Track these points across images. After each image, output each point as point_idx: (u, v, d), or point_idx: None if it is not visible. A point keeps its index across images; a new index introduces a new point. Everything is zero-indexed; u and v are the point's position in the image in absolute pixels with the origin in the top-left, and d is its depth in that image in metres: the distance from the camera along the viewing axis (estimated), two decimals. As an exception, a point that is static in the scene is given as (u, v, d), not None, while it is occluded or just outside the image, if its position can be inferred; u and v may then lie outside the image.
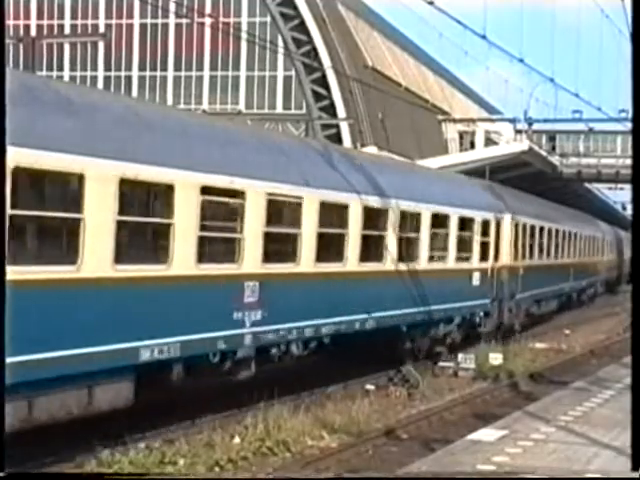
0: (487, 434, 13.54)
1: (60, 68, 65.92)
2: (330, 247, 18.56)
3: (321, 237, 17.85)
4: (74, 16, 67.13)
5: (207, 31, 64.02)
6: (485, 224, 26.93)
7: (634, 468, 8.96)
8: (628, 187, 64.00)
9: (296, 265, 17.13)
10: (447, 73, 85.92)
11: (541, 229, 35.80)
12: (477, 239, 26.10)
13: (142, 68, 67.08)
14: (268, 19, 64.49)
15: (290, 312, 16.92)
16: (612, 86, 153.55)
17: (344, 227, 18.96)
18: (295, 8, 63.48)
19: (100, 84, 65.83)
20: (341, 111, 61.67)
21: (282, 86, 65.06)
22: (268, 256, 16.11)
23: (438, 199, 23.67)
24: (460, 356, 24.03)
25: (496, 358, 24.66)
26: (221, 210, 15.35)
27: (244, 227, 15.47)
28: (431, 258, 23.12)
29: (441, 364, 24.05)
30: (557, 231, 39.46)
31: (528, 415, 15.35)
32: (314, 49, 62.84)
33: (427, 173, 25.81)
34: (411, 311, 21.78)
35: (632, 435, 8.92)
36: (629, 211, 66.59)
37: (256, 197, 15.71)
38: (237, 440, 14.77)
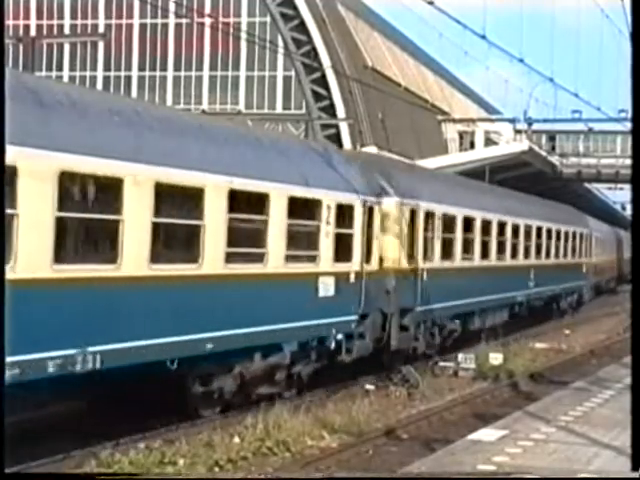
0: (487, 434, 13.54)
1: (60, 68, 65.86)
2: None
3: None
4: (74, 16, 67.08)
5: (207, 31, 63.97)
6: (344, 210, 19.14)
7: (634, 468, 8.97)
8: (628, 187, 64.02)
9: None
10: (447, 73, 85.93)
11: (468, 221, 27.04)
12: (329, 231, 18.38)
13: (142, 68, 67.03)
14: (268, 19, 64.47)
15: None
16: (612, 86, 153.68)
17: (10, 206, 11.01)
18: (295, 8, 63.46)
19: (100, 84, 65.82)
20: (341, 111, 61.65)
21: (282, 86, 65.02)
22: None
23: (243, 169, 15.86)
24: (460, 356, 24.02)
25: (496, 358, 24.70)
26: None
27: None
28: (230, 257, 15.37)
29: (441, 364, 24.03)
30: (503, 224, 30.71)
31: (528, 415, 15.36)
32: (314, 49, 62.82)
33: (230, 133, 17.27)
34: (188, 339, 14.35)
35: (632, 435, 8.93)
36: (629, 211, 66.63)
37: None
38: (237, 440, 14.76)
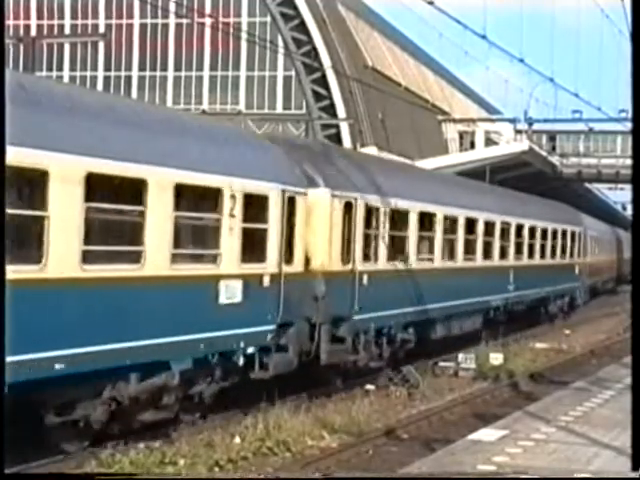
0: (487, 434, 13.55)
1: (60, 68, 65.87)
2: None
3: None
4: (74, 16, 67.07)
5: (207, 31, 63.98)
6: (256, 201, 16.10)
7: (634, 468, 8.98)
8: (628, 187, 64.08)
9: None
10: (447, 73, 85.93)
11: (427, 217, 23.87)
12: (233, 225, 15.36)
13: (142, 68, 67.01)
14: (268, 19, 64.46)
15: None
16: (612, 86, 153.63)
17: None
18: (295, 8, 63.45)
19: (100, 84, 65.83)
20: (341, 111, 61.66)
21: (282, 86, 65.00)
22: None
23: (108, 149, 12.86)
24: (460, 356, 24.03)
25: (496, 358, 24.71)
26: None
27: None
28: (90, 257, 12.38)
29: (441, 364, 24.03)
30: (473, 221, 27.36)
31: (528, 415, 15.36)
32: (314, 49, 62.82)
33: (96, 105, 13.96)
34: (22, 359, 11.06)
35: (632, 435, 8.94)
36: (629, 211, 66.67)
37: None
38: (237, 440, 14.77)
